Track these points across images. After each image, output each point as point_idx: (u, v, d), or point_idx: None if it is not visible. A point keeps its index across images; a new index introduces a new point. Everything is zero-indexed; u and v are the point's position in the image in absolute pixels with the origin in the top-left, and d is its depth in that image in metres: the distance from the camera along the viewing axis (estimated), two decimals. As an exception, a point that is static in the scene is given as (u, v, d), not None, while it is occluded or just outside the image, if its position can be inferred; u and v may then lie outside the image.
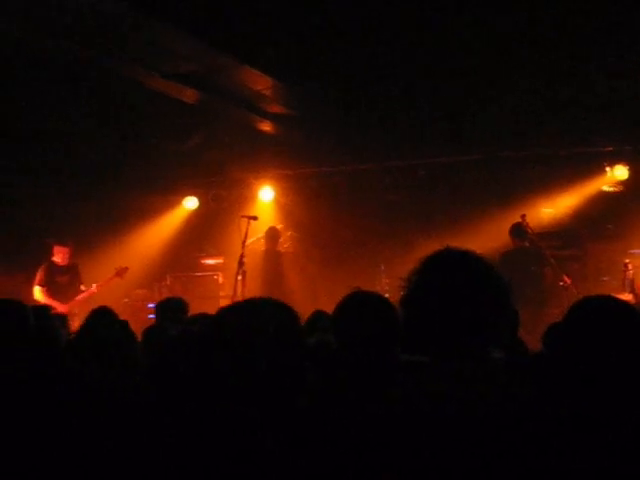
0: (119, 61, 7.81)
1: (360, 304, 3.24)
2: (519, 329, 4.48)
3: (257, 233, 10.48)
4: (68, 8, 6.49)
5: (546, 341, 3.96)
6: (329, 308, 4.45)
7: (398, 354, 3.03)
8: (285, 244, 11.31)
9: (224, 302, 9.90)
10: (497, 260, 9.36)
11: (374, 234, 11.29)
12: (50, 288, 9.41)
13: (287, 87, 8.92)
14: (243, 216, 9.53)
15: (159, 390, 2.70)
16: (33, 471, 2.77)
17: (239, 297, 8.45)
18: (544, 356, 3.50)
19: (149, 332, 4.60)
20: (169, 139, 10.28)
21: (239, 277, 8.73)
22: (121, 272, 9.78)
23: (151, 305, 10.13)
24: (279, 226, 11.36)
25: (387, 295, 3.85)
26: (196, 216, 12.42)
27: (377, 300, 3.28)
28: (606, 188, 10.83)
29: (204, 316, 4.84)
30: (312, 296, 10.72)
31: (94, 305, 5.42)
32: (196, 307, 6.34)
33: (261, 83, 8.66)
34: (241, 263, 8.79)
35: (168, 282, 11.54)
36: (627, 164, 10.60)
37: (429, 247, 2.28)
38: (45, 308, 6.05)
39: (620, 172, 10.63)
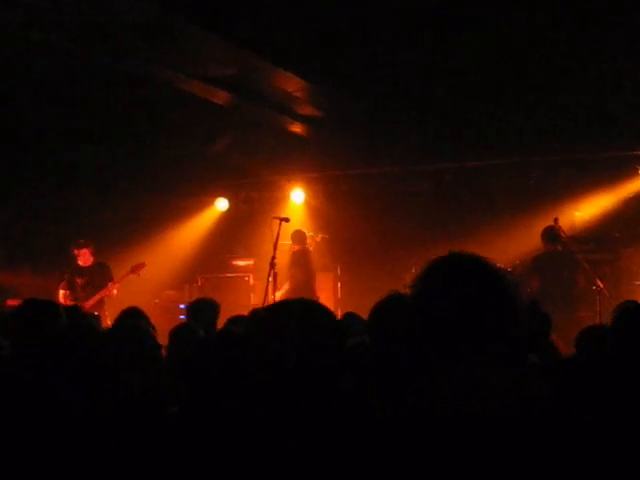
0: (153, 65, 7.89)
1: (397, 305, 3.22)
2: (551, 333, 4.46)
3: (289, 235, 10.49)
4: (102, 13, 6.58)
5: (579, 345, 3.93)
6: (360, 311, 4.46)
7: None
8: (312, 245, 11.29)
9: (255, 303, 9.93)
10: (529, 264, 9.31)
11: (403, 237, 11.24)
12: (71, 291, 9.49)
13: (318, 89, 8.94)
14: (275, 217, 9.52)
15: (187, 390, 2.72)
16: (70, 458, 2.83)
17: (270, 299, 8.48)
18: (577, 360, 3.47)
19: (177, 332, 4.61)
20: (200, 141, 10.35)
21: (270, 278, 8.74)
22: (136, 268, 9.63)
23: (182, 306, 10.18)
24: (304, 230, 11.31)
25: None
26: (227, 218, 12.47)
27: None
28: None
29: (242, 317, 4.91)
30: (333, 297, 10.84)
31: (126, 305, 5.49)
32: (226, 308, 6.35)
33: (292, 85, 8.69)
34: (272, 264, 8.80)
35: (199, 283, 11.58)
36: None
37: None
38: (76, 307, 6.14)
39: (653, 174, 10.50)
